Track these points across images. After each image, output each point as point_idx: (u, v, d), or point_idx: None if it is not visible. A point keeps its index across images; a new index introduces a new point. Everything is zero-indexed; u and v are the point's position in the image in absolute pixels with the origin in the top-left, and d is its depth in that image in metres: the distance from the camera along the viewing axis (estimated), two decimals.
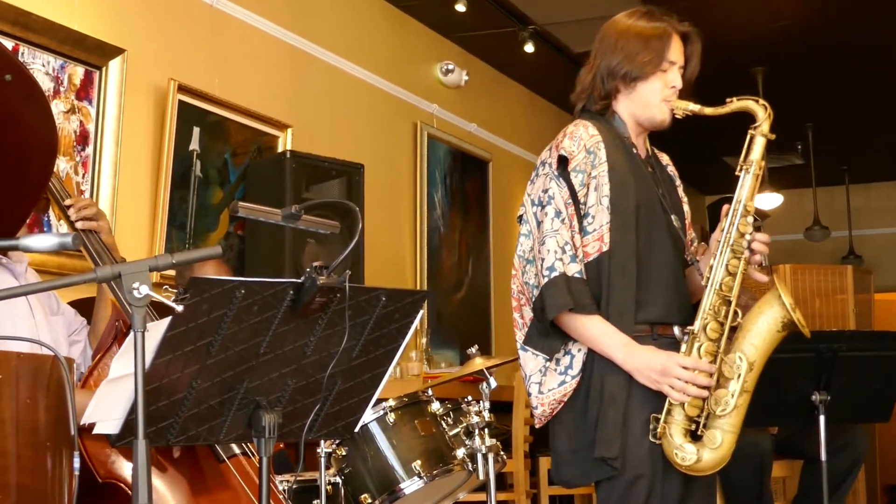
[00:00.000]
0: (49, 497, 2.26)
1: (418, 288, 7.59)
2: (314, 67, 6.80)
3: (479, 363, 4.74)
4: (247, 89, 6.14)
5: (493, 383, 4.59)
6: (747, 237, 3.27)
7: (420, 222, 7.81)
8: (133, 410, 2.22)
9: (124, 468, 3.19)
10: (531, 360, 3.31)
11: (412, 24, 7.93)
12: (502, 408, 5.74)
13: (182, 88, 5.57)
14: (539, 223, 3.29)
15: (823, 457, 3.94)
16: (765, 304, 3.24)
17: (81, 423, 2.36)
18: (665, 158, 3.61)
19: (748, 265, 3.29)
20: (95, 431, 2.43)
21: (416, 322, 2.76)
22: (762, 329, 3.22)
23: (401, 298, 2.69)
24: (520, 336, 3.35)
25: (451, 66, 8.21)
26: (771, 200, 10.37)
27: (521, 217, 3.40)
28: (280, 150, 6.20)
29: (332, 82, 6.98)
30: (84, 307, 3.71)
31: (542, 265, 3.23)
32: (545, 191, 3.30)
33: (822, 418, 3.93)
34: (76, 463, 2.25)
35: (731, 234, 3.27)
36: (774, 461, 5.03)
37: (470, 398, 4.34)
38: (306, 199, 5.77)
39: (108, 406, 2.39)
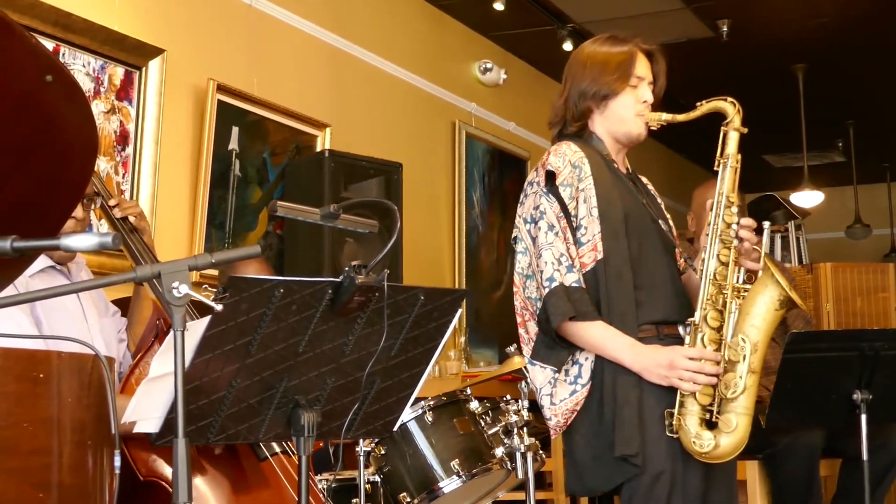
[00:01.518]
0: (90, 495, 2.28)
1: (457, 287, 7.60)
2: (352, 66, 6.81)
3: (517, 362, 4.74)
4: (285, 89, 6.16)
5: None
6: (734, 227, 3.37)
7: (458, 221, 7.81)
8: (173, 409, 2.23)
9: (165, 466, 3.21)
10: (540, 373, 3.39)
11: (450, 22, 7.93)
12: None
13: (221, 88, 5.59)
14: (534, 239, 3.38)
15: (865, 456, 3.92)
16: (759, 285, 3.32)
17: (122, 422, 2.38)
18: (644, 179, 3.71)
19: (739, 255, 3.37)
20: (136, 430, 2.44)
21: (455, 321, 2.76)
22: (761, 310, 3.30)
23: (439, 297, 2.70)
24: (527, 351, 3.44)
25: (489, 65, 8.21)
26: (812, 198, 10.29)
27: (515, 238, 3.49)
28: (318, 149, 6.22)
29: (371, 81, 6.99)
30: (123, 307, 3.74)
31: (541, 277, 3.31)
32: (536, 207, 3.39)
33: (863, 417, 3.90)
34: (117, 461, 2.26)
35: (718, 226, 3.37)
36: None
37: (508, 397, 4.33)
38: (345, 198, 5.78)
39: (148, 405, 2.40)
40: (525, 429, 4.21)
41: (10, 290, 2.88)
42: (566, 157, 3.39)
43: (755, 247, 3.38)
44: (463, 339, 7.38)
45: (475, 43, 8.25)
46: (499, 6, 7.50)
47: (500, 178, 8.44)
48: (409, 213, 6.56)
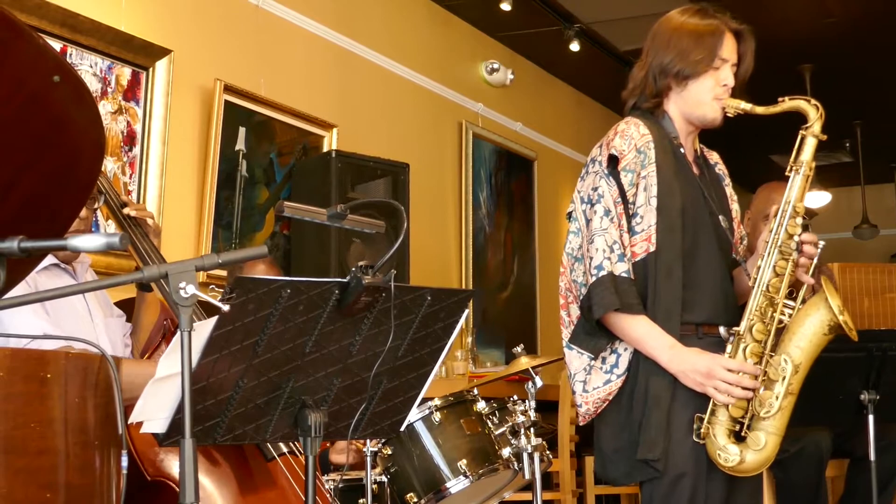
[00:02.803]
0: (98, 495, 2.28)
1: (463, 287, 7.59)
2: (359, 67, 6.81)
3: (524, 362, 4.73)
4: (292, 89, 6.17)
5: (539, 382, 4.58)
6: (796, 238, 3.25)
7: (465, 221, 7.81)
8: (180, 409, 2.23)
9: (172, 466, 3.21)
10: (576, 359, 3.31)
11: (457, 23, 7.93)
12: (548, 407, 5.73)
13: (228, 89, 5.59)
14: (588, 221, 3.28)
15: (873, 456, 3.92)
16: (811, 306, 3.22)
17: (129, 421, 2.38)
18: (714, 157, 3.60)
19: (796, 267, 3.27)
20: (143, 430, 2.44)
21: (462, 321, 2.76)
22: (808, 332, 3.21)
23: (446, 297, 2.69)
24: (566, 334, 3.35)
25: (496, 65, 8.21)
26: (819, 199, 10.30)
27: (570, 214, 3.39)
28: (325, 149, 6.22)
29: (378, 82, 6.99)
30: (128, 308, 3.73)
31: (590, 264, 3.23)
32: (595, 189, 3.28)
33: (871, 417, 3.90)
34: (124, 461, 2.26)
35: (780, 236, 3.26)
36: None
37: (515, 397, 4.33)
38: (352, 198, 5.78)
39: (155, 405, 2.40)
40: (532, 429, 4.20)
41: (20, 287, 2.88)
42: (633, 141, 3.27)
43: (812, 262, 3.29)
44: (470, 339, 7.38)
45: (482, 43, 8.25)
46: (506, 6, 7.50)
47: (506, 178, 8.44)
48: (416, 213, 6.57)
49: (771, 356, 3.20)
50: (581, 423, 3.37)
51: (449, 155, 7.78)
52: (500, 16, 7.74)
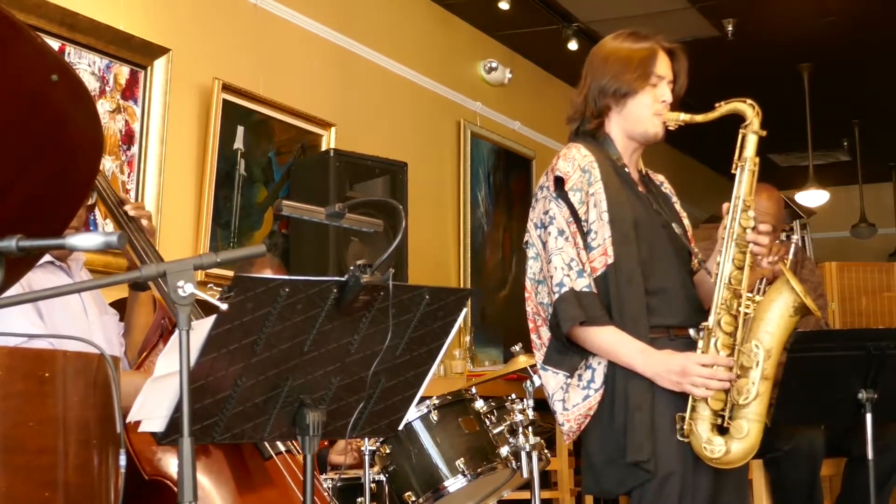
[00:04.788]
0: (96, 494, 2.28)
1: (462, 286, 7.60)
2: (358, 66, 6.81)
3: (522, 361, 4.74)
4: (291, 88, 6.17)
5: (537, 381, 4.58)
6: (749, 231, 3.33)
7: (464, 220, 7.81)
8: (178, 408, 2.23)
9: (170, 465, 3.21)
10: (552, 378, 3.37)
11: (456, 22, 7.93)
12: (546, 406, 5.71)
13: (226, 87, 5.59)
14: (544, 244, 3.35)
15: (871, 455, 3.92)
16: (775, 291, 3.31)
17: (128, 420, 2.38)
18: (660, 178, 3.69)
19: (755, 259, 3.34)
20: (141, 429, 2.44)
21: (460, 320, 2.76)
22: (775, 316, 3.28)
23: (444, 296, 2.69)
24: (539, 356, 3.42)
25: (494, 64, 8.21)
26: (817, 198, 10.29)
27: (526, 243, 3.46)
28: (324, 148, 6.23)
29: (376, 81, 6.99)
30: (120, 308, 3.73)
31: (551, 282, 3.29)
32: (546, 212, 3.36)
33: (868, 416, 3.90)
34: (122, 460, 2.26)
35: (734, 229, 3.34)
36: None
37: (514, 396, 4.33)
38: (350, 197, 5.78)
39: (153, 404, 2.40)
40: (530, 428, 4.21)
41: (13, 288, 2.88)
42: (575, 162, 3.36)
43: (779, 257, 3.35)
44: (468, 338, 7.38)
45: (481, 42, 8.25)
46: (504, 6, 7.50)
47: (505, 177, 8.44)
48: (415, 212, 6.56)
49: (743, 345, 3.26)
50: (567, 442, 3.42)
51: (447, 154, 7.78)
52: (498, 15, 7.74)
